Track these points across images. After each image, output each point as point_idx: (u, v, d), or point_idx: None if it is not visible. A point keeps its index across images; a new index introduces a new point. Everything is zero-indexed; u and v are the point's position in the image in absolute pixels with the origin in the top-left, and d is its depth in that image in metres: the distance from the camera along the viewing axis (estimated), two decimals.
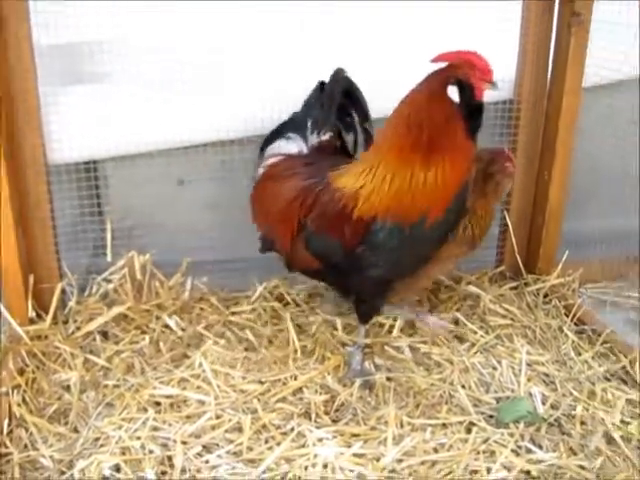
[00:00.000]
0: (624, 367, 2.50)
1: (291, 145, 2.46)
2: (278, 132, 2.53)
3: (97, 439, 2.07)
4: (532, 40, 2.80)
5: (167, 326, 2.63)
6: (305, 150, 2.46)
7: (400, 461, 1.99)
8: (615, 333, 2.66)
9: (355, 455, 2.00)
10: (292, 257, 2.35)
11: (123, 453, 2.01)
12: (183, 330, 2.61)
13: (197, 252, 2.83)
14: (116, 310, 2.63)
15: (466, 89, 2.05)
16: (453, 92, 2.10)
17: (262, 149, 2.55)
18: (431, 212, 2.09)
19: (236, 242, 2.75)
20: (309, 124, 2.47)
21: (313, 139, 2.45)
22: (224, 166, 2.86)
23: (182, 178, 2.95)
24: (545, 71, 2.86)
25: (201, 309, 2.75)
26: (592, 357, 2.54)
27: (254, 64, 2.74)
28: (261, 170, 2.48)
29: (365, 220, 2.11)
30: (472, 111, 2.06)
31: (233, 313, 2.73)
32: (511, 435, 2.10)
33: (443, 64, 2.08)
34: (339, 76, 2.44)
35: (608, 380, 2.44)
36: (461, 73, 2.03)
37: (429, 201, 2.08)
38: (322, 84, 2.51)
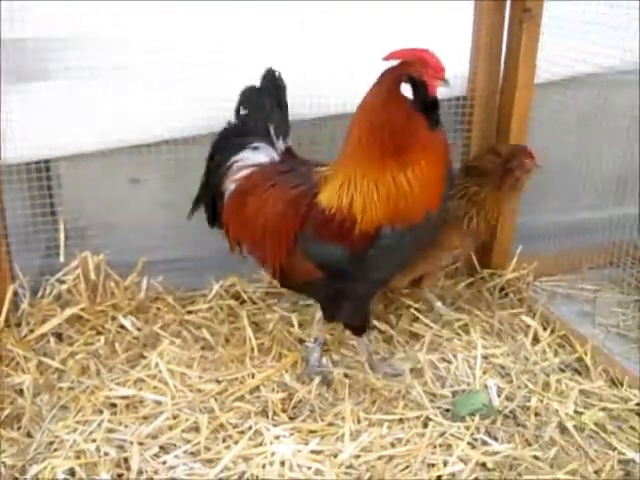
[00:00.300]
0: (578, 358, 2.54)
1: (259, 155, 2.37)
2: (227, 139, 2.43)
3: (51, 443, 2.05)
4: (484, 36, 2.83)
5: (123, 326, 2.61)
6: (276, 157, 2.37)
7: (358, 457, 2.00)
8: (569, 325, 2.70)
9: (313, 452, 2.01)
10: (289, 271, 2.25)
11: (78, 457, 1.98)
12: (139, 330, 2.59)
13: (152, 251, 2.80)
14: (70, 311, 2.59)
15: (419, 86, 2.05)
16: (406, 89, 2.10)
17: (212, 158, 2.45)
18: (432, 206, 2.09)
19: (191, 241, 2.73)
20: (272, 130, 2.39)
21: (280, 145, 2.38)
22: (178, 165, 2.83)
23: (136, 177, 2.91)
24: (498, 67, 2.89)
25: (157, 309, 2.73)
26: (547, 349, 2.58)
27: (206, 62, 2.72)
28: (232, 185, 2.36)
29: (371, 231, 2.08)
30: (427, 106, 2.07)
31: (189, 312, 2.71)
32: (467, 428, 2.12)
33: (395, 62, 2.08)
34: (279, 78, 2.42)
35: (562, 371, 2.48)
36: (413, 71, 2.03)
37: (425, 197, 2.08)
38: (260, 87, 2.45)
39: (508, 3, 2.79)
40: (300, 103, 2.68)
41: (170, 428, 2.11)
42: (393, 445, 2.06)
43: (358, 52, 2.64)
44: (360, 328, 2.39)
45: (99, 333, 2.57)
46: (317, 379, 2.33)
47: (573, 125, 3.18)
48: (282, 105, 2.43)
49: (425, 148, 2.05)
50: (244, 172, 2.35)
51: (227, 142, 2.43)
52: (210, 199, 2.44)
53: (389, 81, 2.06)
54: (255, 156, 2.36)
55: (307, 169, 2.27)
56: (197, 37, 2.68)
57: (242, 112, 2.45)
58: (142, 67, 2.69)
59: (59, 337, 2.56)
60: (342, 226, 2.08)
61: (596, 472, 2.02)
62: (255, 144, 2.37)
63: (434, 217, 2.10)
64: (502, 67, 2.87)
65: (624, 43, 2.73)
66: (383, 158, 2.05)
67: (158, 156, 2.85)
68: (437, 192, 2.10)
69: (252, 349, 2.48)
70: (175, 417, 2.16)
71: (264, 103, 2.42)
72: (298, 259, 2.21)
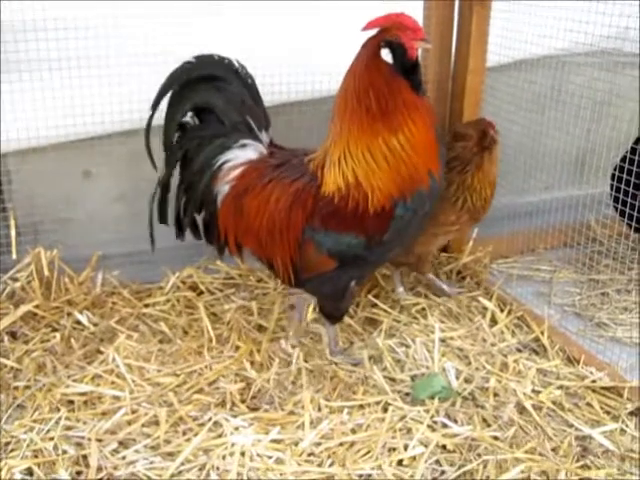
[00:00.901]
0: (535, 338, 2.58)
1: (248, 152, 2.30)
2: (208, 138, 2.31)
3: (7, 443, 2.01)
4: (435, 22, 2.83)
5: (79, 322, 2.57)
6: (265, 151, 2.31)
7: (318, 444, 2.00)
8: (526, 305, 2.74)
9: (273, 441, 2.01)
10: (301, 266, 2.22)
11: (35, 456, 1.96)
12: (95, 325, 2.55)
13: (107, 245, 2.78)
14: (24, 309, 2.55)
15: (397, 50, 2.08)
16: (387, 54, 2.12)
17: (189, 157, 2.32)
18: (433, 166, 2.13)
19: (146, 233, 2.69)
20: (253, 124, 2.32)
21: (265, 137, 2.33)
22: (131, 156, 2.80)
23: (88, 170, 2.87)
24: (449, 52, 2.90)
25: (113, 303, 2.69)
26: (504, 330, 2.61)
27: (161, 53, 2.68)
28: (225, 187, 2.28)
29: (385, 210, 2.10)
30: (408, 69, 2.09)
31: (146, 305, 2.69)
32: (427, 411, 2.14)
33: (374, 31, 2.09)
34: (243, 68, 2.35)
35: (520, 351, 2.51)
36: (390, 35, 2.06)
37: (423, 159, 2.11)
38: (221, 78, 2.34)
39: None
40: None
41: (129, 423, 2.09)
42: (354, 431, 2.06)
43: (311, 45, 2.65)
44: (340, 315, 2.42)
45: (54, 330, 2.53)
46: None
47: (527, 107, 3.20)
48: (256, 97, 2.37)
49: (411, 110, 2.09)
50: (236, 172, 2.28)
51: (206, 138, 2.32)
52: (198, 207, 2.35)
53: (369, 48, 2.09)
54: (245, 154, 2.30)
55: (299, 160, 2.25)
56: (153, 27, 2.65)
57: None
58: (95, 59, 2.65)
59: (13, 335, 2.51)
60: (355, 212, 2.10)
61: (554, 449, 2.05)
62: (242, 141, 2.30)
63: (438, 178, 2.15)
64: (453, 51, 2.88)
65: (577, 25, 2.75)
66: (371, 123, 2.08)
67: (111, 148, 2.81)
68: (433, 153, 2.13)
69: (210, 340, 2.47)
70: (134, 412, 2.14)
71: (238, 97, 2.33)
72: (310, 252, 2.19)
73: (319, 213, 2.14)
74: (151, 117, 2.27)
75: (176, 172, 2.34)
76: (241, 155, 2.29)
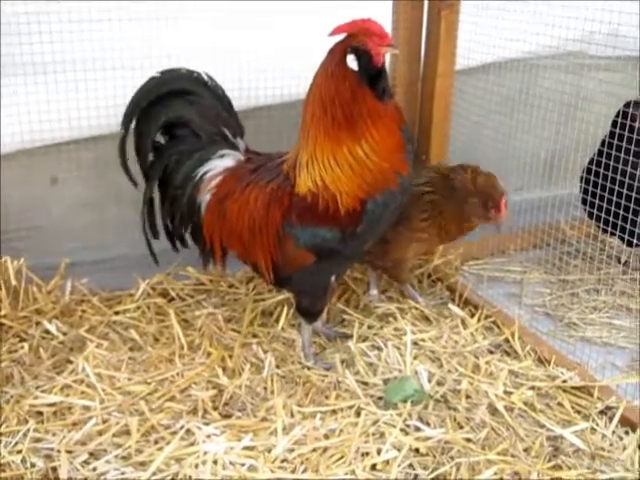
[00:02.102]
0: (507, 339, 2.59)
1: (227, 160, 2.34)
2: (186, 153, 2.33)
3: None
4: (404, 26, 2.84)
5: (47, 331, 2.53)
6: (242, 158, 2.36)
7: (291, 450, 1.99)
8: (497, 307, 2.75)
9: (246, 448, 1.99)
10: (282, 262, 2.26)
11: (3, 470, 1.92)
12: (64, 334, 2.51)
13: (76, 253, 2.74)
14: None
15: (363, 56, 2.09)
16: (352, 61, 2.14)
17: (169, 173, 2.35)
18: (401, 169, 2.17)
19: (115, 240, 2.68)
20: (228, 133, 2.36)
21: (241, 144, 2.38)
22: (99, 162, 2.76)
23: (56, 176, 2.83)
24: (418, 55, 2.91)
25: (82, 311, 2.65)
26: (475, 332, 2.62)
27: (128, 58, 2.66)
28: (207, 196, 2.32)
29: (356, 208, 2.14)
30: (373, 76, 2.10)
31: (116, 313, 2.65)
32: (399, 415, 2.14)
33: (341, 36, 2.10)
34: (212, 80, 2.37)
35: (492, 353, 2.52)
36: (356, 41, 2.07)
37: (389, 164, 2.14)
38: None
39: None
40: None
41: (100, 433, 2.06)
42: (327, 436, 2.06)
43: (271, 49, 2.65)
44: (318, 313, 2.44)
45: (22, 340, 2.48)
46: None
47: (496, 110, 3.23)
48: (228, 107, 2.39)
49: (375, 118, 2.11)
50: (216, 180, 2.33)
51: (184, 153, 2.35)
52: (184, 219, 2.38)
53: (335, 54, 2.11)
54: (224, 163, 2.34)
55: (274, 163, 2.30)
56: (119, 33, 2.63)
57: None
58: (61, 64, 2.62)
59: None
60: (327, 208, 2.14)
61: (526, 450, 2.06)
62: (220, 152, 2.34)
63: (407, 179, 2.20)
64: (422, 55, 2.89)
65: (543, 28, 2.78)
66: (336, 131, 2.11)
67: (78, 154, 2.78)
68: (399, 156, 2.16)
69: (181, 347, 2.44)
70: (105, 421, 2.11)
71: (212, 110, 2.36)
72: (289, 247, 2.23)
73: (295, 209, 2.19)
74: (124, 137, 2.28)
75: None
76: (220, 164, 2.34)
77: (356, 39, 2.07)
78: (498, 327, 2.66)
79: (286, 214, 2.20)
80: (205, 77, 2.34)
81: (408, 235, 2.63)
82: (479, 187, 2.55)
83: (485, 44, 2.98)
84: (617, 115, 2.91)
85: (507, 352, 2.54)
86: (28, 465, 1.93)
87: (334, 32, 2.08)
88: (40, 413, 2.15)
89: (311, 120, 2.15)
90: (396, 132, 2.16)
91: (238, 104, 2.68)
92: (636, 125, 2.83)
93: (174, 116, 2.31)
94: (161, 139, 2.36)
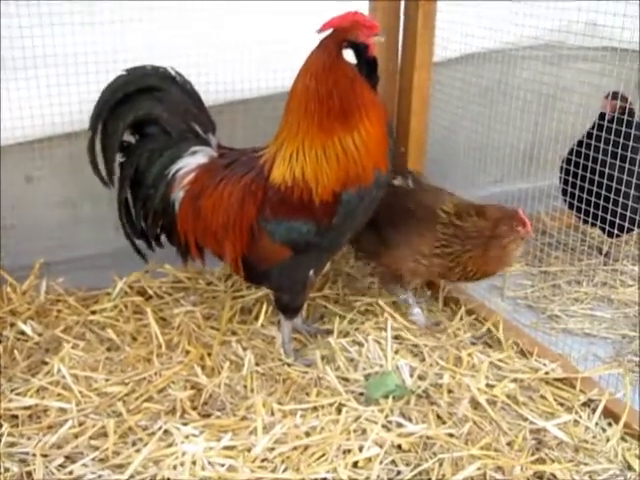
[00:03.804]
0: (489, 331, 2.58)
1: (199, 157, 2.31)
2: (157, 151, 2.30)
3: None
4: (381, 16, 2.80)
5: (22, 332, 2.48)
6: (215, 154, 2.33)
7: (272, 449, 1.96)
8: (479, 299, 2.74)
9: (225, 448, 1.96)
10: (257, 258, 2.25)
11: None
12: (40, 335, 2.47)
13: (51, 252, 2.69)
14: None
15: (360, 49, 2.12)
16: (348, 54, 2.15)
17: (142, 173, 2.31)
18: (381, 165, 2.16)
19: (91, 238, 2.64)
20: (199, 130, 2.33)
21: (213, 140, 2.34)
22: (73, 159, 2.72)
23: (30, 174, 2.78)
24: (396, 47, 2.88)
25: (58, 311, 2.60)
26: (458, 325, 2.60)
27: (102, 52, 2.62)
28: (181, 193, 2.29)
29: (330, 200, 2.13)
30: (370, 67, 2.14)
31: (93, 312, 2.60)
32: (381, 411, 2.11)
33: (329, 31, 2.10)
34: (180, 76, 2.33)
35: (474, 345, 2.51)
36: (351, 35, 2.09)
37: (373, 158, 2.14)
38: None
39: None
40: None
41: (76, 436, 2.03)
42: (308, 434, 2.03)
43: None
44: (297, 308, 2.42)
45: None
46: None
47: (475, 101, 3.22)
48: (197, 102, 2.35)
49: (368, 110, 2.13)
50: (189, 177, 2.29)
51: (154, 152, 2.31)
52: (158, 218, 2.35)
53: (331, 49, 2.10)
54: (196, 160, 2.30)
55: (248, 157, 2.27)
56: (91, 29, 2.60)
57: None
58: (32, 60, 2.58)
59: None
60: (301, 200, 2.13)
61: (509, 444, 2.04)
62: (192, 149, 2.31)
63: (384, 176, 2.19)
64: (400, 46, 2.86)
65: (522, 19, 2.77)
66: (330, 123, 2.11)
67: (52, 152, 2.74)
68: (383, 149, 2.17)
69: (159, 346, 2.41)
70: (81, 424, 2.07)
71: (181, 105, 2.32)
72: (265, 243, 2.22)
73: (269, 202, 2.17)
74: (92, 138, 2.25)
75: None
76: (192, 161, 2.31)
77: (350, 33, 2.09)
78: (480, 320, 2.64)
79: (260, 208, 2.18)
80: (172, 72, 2.31)
81: (404, 250, 2.53)
82: (492, 217, 2.43)
83: (463, 34, 2.97)
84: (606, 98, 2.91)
85: (489, 344, 2.53)
86: (2, 470, 1.89)
87: (324, 27, 2.10)
88: (15, 416, 2.10)
89: (303, 112, 2.12)
90: (383, 125, 2.17)
91: (214, 98, 2.66)
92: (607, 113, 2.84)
93: (142, 114, 2.27)
94: (131, 138, 2.32)
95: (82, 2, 2.55)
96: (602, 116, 2.87)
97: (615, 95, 2.88)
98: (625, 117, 2.82)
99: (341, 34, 2.10)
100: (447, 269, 2.50)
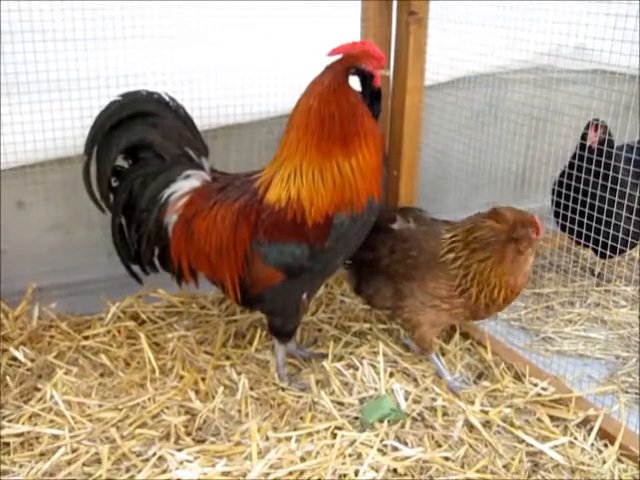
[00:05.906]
0: (482, 359, 2.56)
1: (193, 181, 2.31)
2: (151, 175, 2.30)
3: None
4: (372, 41, 2.77)
5: (14, 358, 2.46)
6: (208, 177, 2.34)
7: (267, 475, 1.95)
8: (472, 322, 2.73)
9: (220, 474, 1.94)
10: (252, 280, 2.24)
11: None
12: (32, 361, 2.45)
13: (43, 277, 2.69)
14: None
15: (367, 77, 2.17)
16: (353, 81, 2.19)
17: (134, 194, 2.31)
18: (374, 192, 2.18)
19: (84, 263, 2.63)
20: (193, 154, 2.33)
21: (206, 164, 2.36)
22: (65, 185, 2.72)
23: (22, 200, 2.78)
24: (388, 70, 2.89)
25: (51, 337, 2.59)
26: (454, 350, 2.60)
27: (90, 79, 2.63)
28: (174, 216, 2.30)
29: (322, 222, 2.14)
30: (373, 96, 2.19)
31: (86, 337, 2.59)
32: (376, 435, 2.10)
33: (338, 56, 2.15)
34: (173, 101, 2.34)
35: (467, 384, 2.44)
36: (360, 63, 2.14)
37: (368, 185, 2.16)
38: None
39: (395, 4, 2.79)
40: None
41: (69, 463, 2.01)
42: (303, 459, 2.02)
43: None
44: (291, 332, 2.41)
45: None
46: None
47: (467, 125, 3.23)
48: (191, 127, 2.37)
49: (368, 137, 2.15)
50: (183, 200, 2.30)
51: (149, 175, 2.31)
52: (151, 242, 2.34)
53: (338, 73, 2.14)
54: (190, 183, 2.31)
55: (241, 181, 2.29)
56: (84, 52, 2.61)
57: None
58: (25, 85, 2.58)
59: None
60: (295, 221, 2.14)
61: (505, 466, 2.03)
62: (185, 173, 2.31)
63: (376, 203, 2.21)
64: (391, 70, 2.88)
65: (512, 42, 2.79)
66: (330, 146, 2.13)
67: (44, 177, 2.73)
68: (378, 179, 2.19)
69: (153, 371, 2.39)
70: (74, 450, 2.05)
71: (175, 130, 2.33)
72: (258, 266, 2.22)
73: (262, 225, 2.18)
74: (87, 162, 2.25)
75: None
76: (186, 185, 2.31)
77: (359, 60, 2.14)
78: (474, 346, 2.64)
79: (253, 231, 2.19)
80: (166, 98, 2.33)
81: (421, 298, 2.38)
82: (509, 220, 2.30)
83: (454, 59, 2.99)
84: (586, 127, 2.92)
85: (484, 374, 2.49)
86: None
87: (333, 52, 2.15)
88: (7, 444, 2.08)
89: (304, 133, 2.15)
90: (380, 154, 2.20)
91: (207, 123, 2.67)
92: (587, 144, 2.85)
93: (136, 139, 2.28)
94: (124, 163, 2.33)
95: (76, 31, 2.55)
96: (582, 146, 2.89)
97: (596, 126, 2.88)
98: (605, 147, 2.80)
99: (350, 60, 2.14)
100: (471, 301, 2.33)
